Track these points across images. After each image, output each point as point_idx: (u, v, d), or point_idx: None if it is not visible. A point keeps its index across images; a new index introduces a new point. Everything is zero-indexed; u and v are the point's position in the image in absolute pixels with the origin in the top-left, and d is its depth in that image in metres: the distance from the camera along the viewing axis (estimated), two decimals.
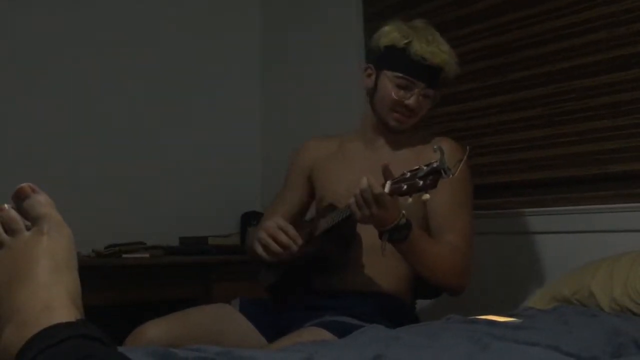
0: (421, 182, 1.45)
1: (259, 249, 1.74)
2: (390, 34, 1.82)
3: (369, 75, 1.88)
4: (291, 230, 1.71)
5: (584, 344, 1.22)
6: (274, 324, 1.72)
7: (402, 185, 1.49)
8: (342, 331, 1.50)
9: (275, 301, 1.84)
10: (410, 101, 1.80)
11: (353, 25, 2.81)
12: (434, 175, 1.44)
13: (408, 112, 1.82)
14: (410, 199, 1.49)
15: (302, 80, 3.11)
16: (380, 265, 1.76)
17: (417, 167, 1.48)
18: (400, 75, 1.79)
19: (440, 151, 1.43)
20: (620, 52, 2.02)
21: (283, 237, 1.69)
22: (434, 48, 1.79)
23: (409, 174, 1.49)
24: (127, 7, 2.93)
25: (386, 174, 1.55)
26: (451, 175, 1.43)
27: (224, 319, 1.73)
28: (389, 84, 1.81)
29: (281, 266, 1.82)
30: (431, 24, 1.87)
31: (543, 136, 2.20)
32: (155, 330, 1.62)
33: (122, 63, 2.89)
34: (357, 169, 1.84)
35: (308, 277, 1.82)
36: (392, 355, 1.10)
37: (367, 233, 1.70)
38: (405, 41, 1.79)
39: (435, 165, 1.43)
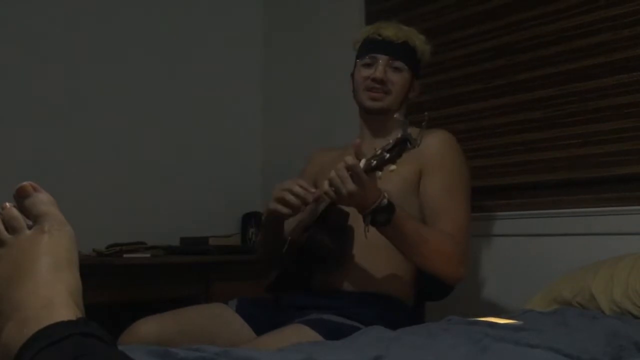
0: (387, 155, 1.47)
1: (277, 206, 1.71)
2: (358, 36, 1.96)
3: (351, 82, 1.97)
4: (302, 182, 1.73)
5: (584, 346, 1.22)
6: (270, 322, 1.72)
7: (372, 161, 1.51)
8: (326, 330, 1.50)
9: (274, 300, 1.84)
10: (377, 73, 1.85)
11: (355, 26, 2.81)
12: (400, 146, 1.46)
13: (378, 85, 1.86)
14: (380, 173, 1.52)
15: (303, 81, 3.11)
16: (380, 265, 1.75)
17: (387, 143, 1.50)
18: (363, 57, 1.89)
19: (403, 122, 1.47)
20: (624, 55, 2.02)
21: (298, 189, 1.69)
22: (388, 26, 1.89)
23: (379, 151, 1.51)
24: (126, 7, 2.94)
25: (358, 153, 1.56)
26: (416, 146, 1.46)
27: (216, 318, 1.72)
28: (358, 72, 1.91)
29: (285, 263, 1.82)
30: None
31: (545, 138, 2.20)
32: (147, 327, 1.62)
33: (123, 63, 2.90)
34: None
35: (307, 276, 1.82)
36: (393, 356, 1.09)
37: (368, 232, 1.69)
38: (366, 32, 1.92)
39: (399, 135, 1.45)
